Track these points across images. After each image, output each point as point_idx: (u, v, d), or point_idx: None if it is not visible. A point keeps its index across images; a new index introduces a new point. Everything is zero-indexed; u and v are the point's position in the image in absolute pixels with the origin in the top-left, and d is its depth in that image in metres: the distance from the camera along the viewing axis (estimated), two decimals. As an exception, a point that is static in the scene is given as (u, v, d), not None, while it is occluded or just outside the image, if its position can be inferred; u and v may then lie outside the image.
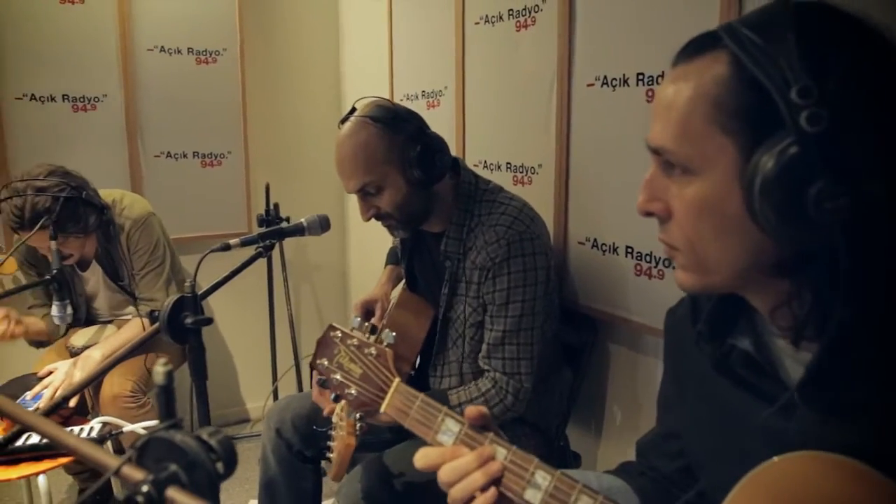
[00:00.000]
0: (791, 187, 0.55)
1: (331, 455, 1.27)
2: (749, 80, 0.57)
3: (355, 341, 0.90)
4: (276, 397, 2.82)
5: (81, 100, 2.55)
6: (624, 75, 1.53)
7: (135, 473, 0.46)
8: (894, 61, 0.58)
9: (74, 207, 1.83)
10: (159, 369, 0.49)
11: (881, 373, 0.59)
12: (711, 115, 0.60)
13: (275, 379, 2.86)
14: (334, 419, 1.37)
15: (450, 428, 0.77)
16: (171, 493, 0.45)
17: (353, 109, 1.47)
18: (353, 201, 3.06)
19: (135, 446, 0.48)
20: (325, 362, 0.92)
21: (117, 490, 0.45)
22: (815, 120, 0.53)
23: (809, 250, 0.58)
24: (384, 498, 1.39)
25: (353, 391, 0.88)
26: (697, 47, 0.63)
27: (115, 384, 1.91)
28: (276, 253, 2.80)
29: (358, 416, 1.23)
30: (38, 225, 1.74)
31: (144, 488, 0.44)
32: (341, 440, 1.21)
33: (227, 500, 2.39)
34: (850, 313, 0.57)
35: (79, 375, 1.82)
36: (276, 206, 2.62)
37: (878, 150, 0.55)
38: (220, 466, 0.47)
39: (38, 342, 2.10)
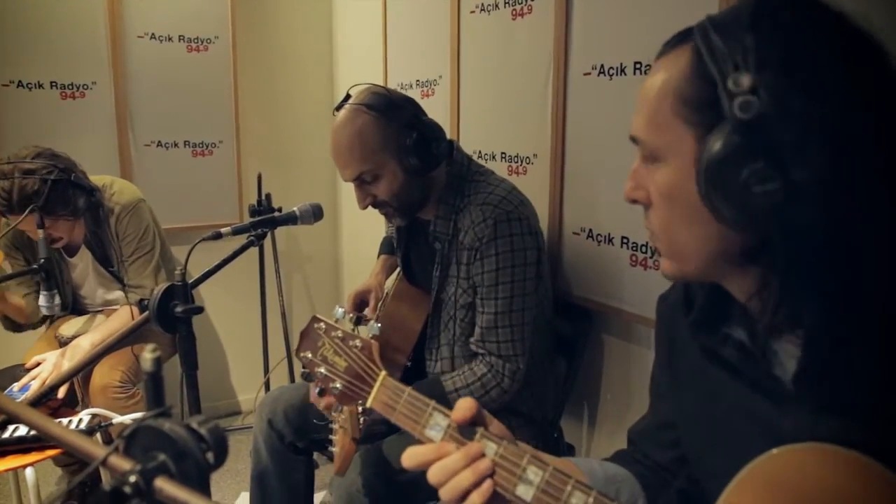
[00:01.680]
0: (726, 172, 0.57)
1: (333, 449, 1.26)
2: (706, 74, 0.59)
3: (340, 333, 0.87)
4: (267, 389, 2.81)
5: (70, 87, 2.51)
6: (621, 64, 1.52)
7: (122, 463, 0.45)
8: (853, 55, 0.58)
9: (63, 190, 1.80)
10: (147, 356, 0.47)
11: (871, 368, 0.59)
12: (675, 107, 0.63)
13: (266, 370, 2.84)
14: (334, 412, 1.35)
15: (438, 422, 0.75)
16: (160, 483, 0.43)
17: (348, 96, 1.45)
18: (345, 191, 3.04)
19: (122, 435, 0.47)
20: (309, 355, 0.89)
21: (106, 480, 0.44)
22: (746, 107, 0.55)
23: (769, 239, 0.59)
24: (381, 488, 1.38)
25: (337, 385, 0.86)
26: (674, 41, 0.66)
27: (104, 374, 1.89)
28: (267, 243, 2.77)
29: (361, 408, 1.21)
30: (28, 210, 1.71)
31: (132, 479, 0.43)
32: (345, 433, 1.19)
33: (218, 492, 2.38)
34: (819, 305, 0.59)
35: (67, 365, 1.80)
36: (269, 196, 2.59)
37: (811, 141, 0.55)
38: (209, 456, 0.46)
39: (14, 324, 2.05)
